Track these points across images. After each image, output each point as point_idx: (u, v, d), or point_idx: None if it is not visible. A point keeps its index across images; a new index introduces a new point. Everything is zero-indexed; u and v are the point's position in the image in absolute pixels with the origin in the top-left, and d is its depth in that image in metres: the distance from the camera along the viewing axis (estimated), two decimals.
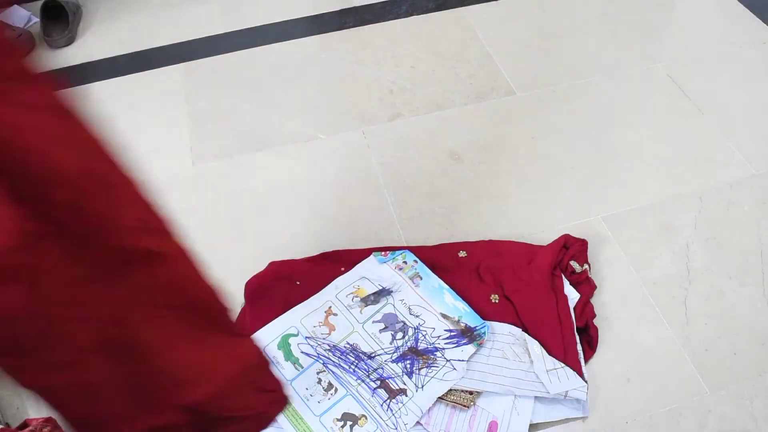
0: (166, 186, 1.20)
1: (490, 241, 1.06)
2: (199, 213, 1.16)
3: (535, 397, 0.87)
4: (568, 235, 1.05)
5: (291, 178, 1.21)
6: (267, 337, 0.91)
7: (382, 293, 0.94)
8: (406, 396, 0.85)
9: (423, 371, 0.87)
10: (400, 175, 1.20)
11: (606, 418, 0.88)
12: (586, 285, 1.00)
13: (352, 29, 1.54)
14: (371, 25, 1.54)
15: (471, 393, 0.87)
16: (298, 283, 1.01)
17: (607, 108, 1.30)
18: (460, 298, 0.94)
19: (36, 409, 0.92)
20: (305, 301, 0.95)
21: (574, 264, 1.00)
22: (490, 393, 0.88)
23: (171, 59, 1.48)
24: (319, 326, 0.90)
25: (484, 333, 0.89)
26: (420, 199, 1.15)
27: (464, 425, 0.86)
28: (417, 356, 0.88)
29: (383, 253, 1.01)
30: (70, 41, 1.55)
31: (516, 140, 1.25)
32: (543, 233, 1.09)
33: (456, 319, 0.92)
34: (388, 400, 0.85)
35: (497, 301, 0.97)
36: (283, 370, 0.87)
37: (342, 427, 0.83)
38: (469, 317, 0.92)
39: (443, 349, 0.88)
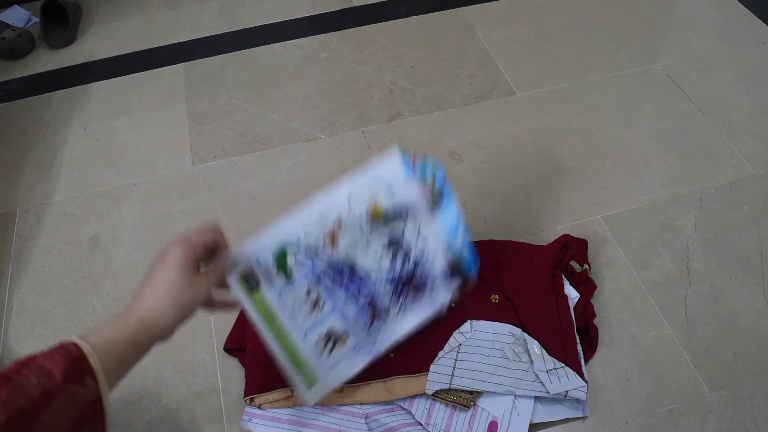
0: (166, 186, 1.21)
1: (490, 241, 1.06)
2: (199, 213, 1.16)
3: (535, 397, 0.88)
4: (568, 235, 1.05)
5: (291, 178, 1.21)
6: (267, 242, 0.75)
7: (399, 214, 0.81)
8: (389, 317, 0.82)
9: (410, 297, 0.83)
10: None
11: (606, 418, 0.88)
12: (586, 285, 1.00)
13: (352, 29, 1.54)
14: (371, 25, 1.54)
15: (471, 393, 0.87)
16: None
17: (607, 108, 1.30)
18: (468, 236, 0.83)
19: None
20: (311, 204, 0.77)
21: (574, 264, 1.00)
22: (490, 393, 0.88)
23: (171, 59, 1.49)
24: (322, 239, 0.78)
25: (471, 272, 0.84)
26: None
27: (464, 425, 0.86)
28: (409, 283, 0.83)
29: (411, 156, 0.79)
30: (70, 41, 1.55)
31: (516, 140, 1.25)
32: (543, 233, 1.09)
33: (456, 256, 0.83)
34: (371, 320, 0.81)
35: (497, 301, 0.97)
36: (273, 281, 0.76)
37: (326, 344, 0.79)
38: (468, 256, 0.84)
39: (434, 281, 0.83)
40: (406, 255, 0.81)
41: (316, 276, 0.78)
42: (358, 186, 0.80)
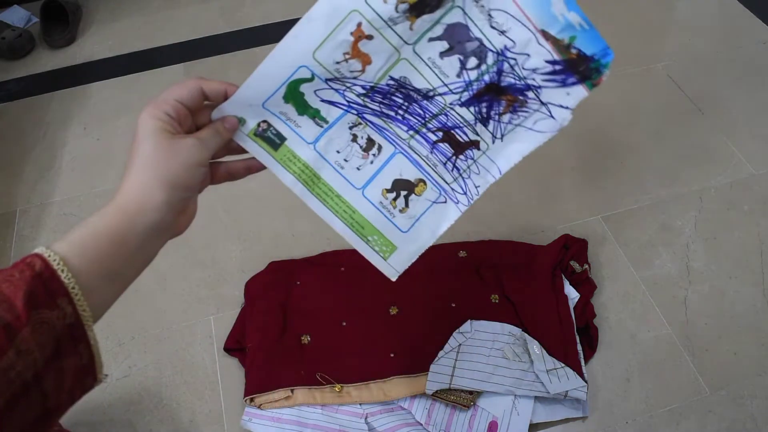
0: None
1: (490, 241, 1.06)
2: (199, 213, 1.15)
3: (535, 397, 0.88)
4: (568, 235, 1.05)
5: None
6: (264, 86, 0.51)
7: None
8: (479, 150, 0.59)
9: (506, 117, 0.58)
10: None
11: (606, 418, 0.88)
12: (586, 285, 1.00)
13: None
14: None
15: (471, 393, 0.87)
16: (298, 283, 1.01)
17: (607, 108, 1.30)
18: (578, 6, 0.54)
19: None
20: (309, 13, 0.48)
21: (574, 264, 1.00)
22: (490, 393, 0.88)
23: (171, 59, 1.49)
24: (345, 61, 0.51)
25: (605, 66, 0.56)
26: None
27: (464, 425, 0.86)
28: (498, 96, 0.57)
29: None
30: (70, 41, 1.55)
31: None
32: (543, 233, 1.09)
33: (566, 42, 0.54)
34: (454, 157, 0.59)
35: (497, 301, 0.97)
36: (299, 128, 0.55)
37: (395, 199, 0.59)
38: (586, 39, 0.54)
39: (539, 87, 0.56)
40: (480, 57, 0.55)
41: (356, 113, 0.56)
42: None
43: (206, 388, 0.93)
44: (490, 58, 0.55)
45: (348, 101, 0.55)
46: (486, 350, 0.90)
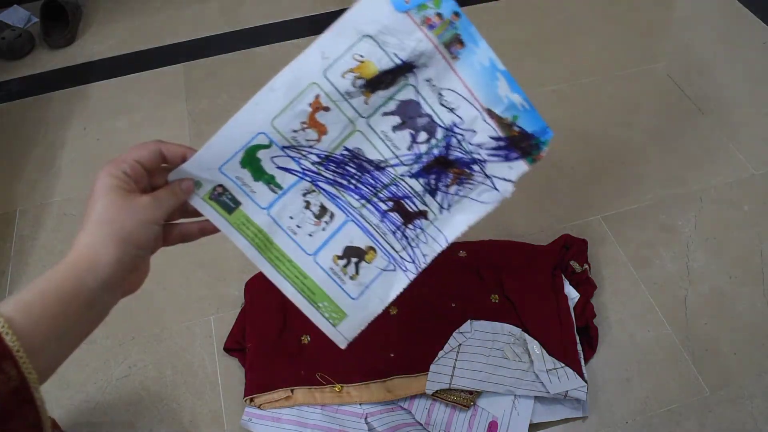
0: None
1: (490, 241, 1.06)
2: None
3: (535, 397, 0.88)
4: (568, 235, 1.05)
5: None
6: (223, 150, 0.54)
7: (400, 71, 0.56)
8: (427, 220, 0.62)
9: (453, 189, 0.62)
10: None
11: (606, 418, 0.88)
12: (586, 285, 1.00)
13: None
14: None
15: (471, 393, 0.87)
16: None
17: (607, 108, 1.30)
18: (520, 89, 0.58)
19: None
20: (272, 83, 0.55)
21: (574, 264, 1.00)
22: (490, 393, 0.88)
23: (171, 59, 1.49)
24: (302, 130, 0.55)
25: (545, 143, 0.61)
26: None
27: (464, 425, 0.86)
28: (446, 169, 0.61)
29: None
30: (70, 41, 1.55)
31: None
32: (543, 233, 1.09)
33: (509, 120, 0.59)
34: (403, 227, 0.62)
35: (497, 301, 0.97)
36: (253, 194, 0.56)
37: (345, 266, 0.60)
38: (527, 119, 0.60)
39: (484, 161, 0.60)
40: (430, 132, 0.59)
41: (310, 180, 0.58)
42: (330, 44, 0.55)
43: (206, 388, 0.93)
44: (440, 133, 0.59)
45: (303, 169, 0.57)
46: (486, 350, 0.90)
